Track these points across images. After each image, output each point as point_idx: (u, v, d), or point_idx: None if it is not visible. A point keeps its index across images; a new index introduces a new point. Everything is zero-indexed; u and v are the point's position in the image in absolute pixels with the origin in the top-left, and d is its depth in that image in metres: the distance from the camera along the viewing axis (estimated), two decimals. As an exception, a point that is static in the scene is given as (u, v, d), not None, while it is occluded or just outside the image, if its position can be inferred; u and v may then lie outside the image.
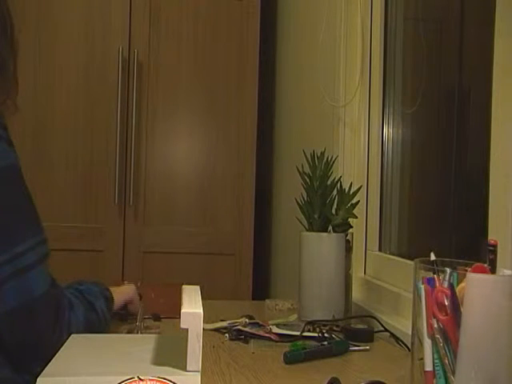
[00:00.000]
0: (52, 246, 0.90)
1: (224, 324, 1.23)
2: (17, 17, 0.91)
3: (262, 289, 2.51)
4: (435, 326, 0.70)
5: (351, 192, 1.34)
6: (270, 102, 2.60)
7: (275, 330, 1.17)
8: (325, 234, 1.32)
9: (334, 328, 1.22)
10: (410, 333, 0.77)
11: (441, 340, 0.70)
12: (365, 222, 1.60)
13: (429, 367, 0.71)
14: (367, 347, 1.11)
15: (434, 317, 0.70)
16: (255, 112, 2.38)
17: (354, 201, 1.33)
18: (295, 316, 1.35)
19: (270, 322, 1.23)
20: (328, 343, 1.06)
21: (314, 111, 1.94)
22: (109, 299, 1.07)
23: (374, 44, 1.62)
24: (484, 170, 1.02)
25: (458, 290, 0.69)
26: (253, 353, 1.06)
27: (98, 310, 0.99)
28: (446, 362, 0.69)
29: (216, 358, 1.02)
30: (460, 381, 0.67)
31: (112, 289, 1.12)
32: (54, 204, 2.21)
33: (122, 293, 1.19)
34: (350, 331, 1.18)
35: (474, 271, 0.71)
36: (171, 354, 0.66)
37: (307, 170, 1.36)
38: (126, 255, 2.29)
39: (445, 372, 0.69)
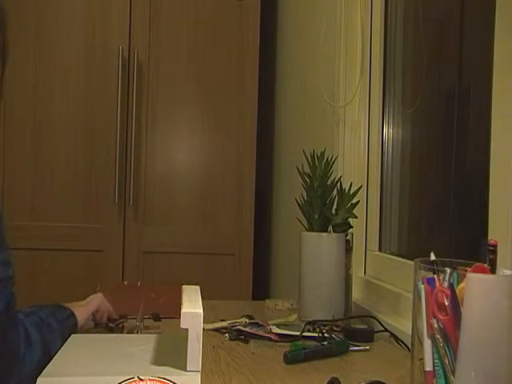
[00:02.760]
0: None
1: (224, 324, 1.23)
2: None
3: (261, 289, 2.51)
4: (435, 325, 0.70)
5: (351, 192, 1.34)
6: (270, 102, 2.60)
7: (275, 329, 1.17)
8: (325, 234, 1.32)
9: (334, 328, 1.22)
10: (410, 333, 0.77)
11: (441, 340, 0.69)
12: (365, 222, 1.60)
13: (429, 367, 0.71)
14: (367, 347, 1.11)
15: (434, 317, 0.70)
16: (255, 112, 2.38)
17: (354, 201, 1.33)
18: (295, 316, 1.35)
19: (270, 322, 1.23)
20: (328, 343, 1.06)
21: (314, 111, 1.94)
22: (69, 329, 0.97)
23: (374, 44, 1.62)
24: (484, 169, 1.02)
25: (458, 290, 0.69)
26: (253, 353, 1.06)
27: (52, 354, 0.88)
28: (446, 362, 0.69)
29: (216, 358, 1.02)
30: (460, 381, 0.67)
31: (76, 306, 1.05)
32: (54, 204, 2.21)
33: (87, 306, 1.11)
34: (350, 331, 1.18)
35: (474, 271, 0.71)
36: (171, 354, 0.66)
37: (307, 169, 1.36)
38: (126, 255, 2.29)
39: (445, 372, 0.69)
